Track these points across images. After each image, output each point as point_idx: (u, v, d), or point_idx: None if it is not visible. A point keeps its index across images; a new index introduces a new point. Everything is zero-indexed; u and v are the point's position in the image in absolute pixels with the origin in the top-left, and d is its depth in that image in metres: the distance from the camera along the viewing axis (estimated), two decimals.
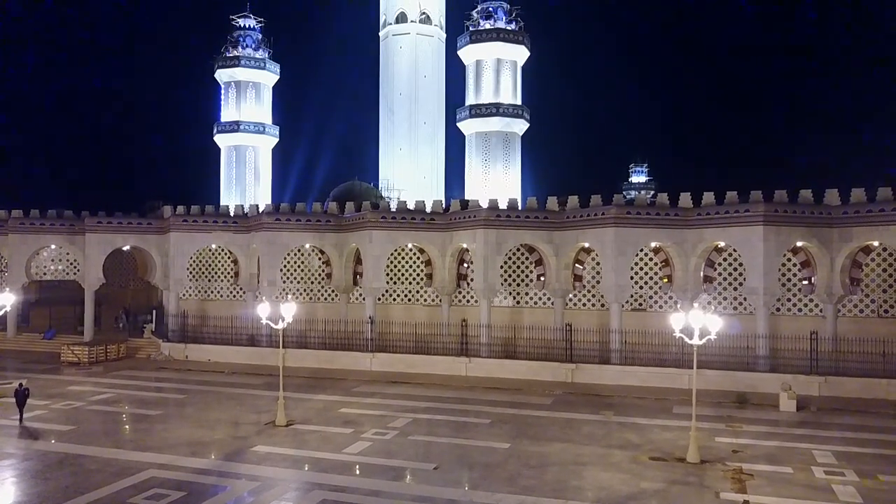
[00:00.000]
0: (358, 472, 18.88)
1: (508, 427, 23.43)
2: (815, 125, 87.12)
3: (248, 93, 59.29)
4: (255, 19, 60.81)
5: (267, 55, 60.05)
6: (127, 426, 23.89)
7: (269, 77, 60.05)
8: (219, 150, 60.28)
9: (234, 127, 58.35)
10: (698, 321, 19.90)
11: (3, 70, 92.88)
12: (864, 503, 16.53)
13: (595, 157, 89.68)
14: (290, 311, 23.40)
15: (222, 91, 59.88)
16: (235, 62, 58.28)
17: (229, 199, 58.65)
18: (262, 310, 24.08)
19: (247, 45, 59.92)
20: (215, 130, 59.17)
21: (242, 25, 60.44)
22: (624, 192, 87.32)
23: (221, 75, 59.16)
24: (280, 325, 23.70)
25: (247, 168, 59.70)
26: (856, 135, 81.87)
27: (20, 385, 23.99)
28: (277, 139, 61.10)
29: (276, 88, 61.64)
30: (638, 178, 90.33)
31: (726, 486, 17.65)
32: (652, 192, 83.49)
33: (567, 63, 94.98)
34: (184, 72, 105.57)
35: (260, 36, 60.68)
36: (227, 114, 59.27)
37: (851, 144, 76.04)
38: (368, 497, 16.92)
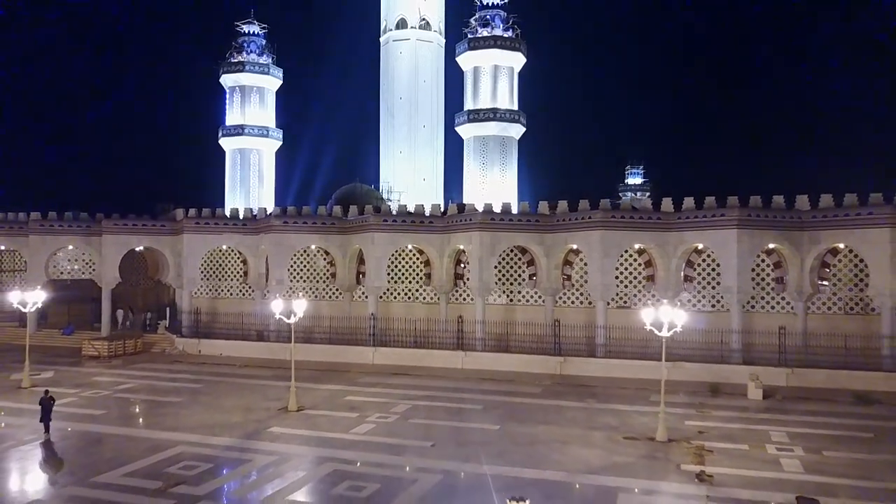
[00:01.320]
0: (363, 448, 21.69)
1: (500, 412, 26.29)
2: (805, 128, 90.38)
3: (252, 97, 62.23)
4: (259, 25, 63.72)
5: (270, 60, 63.01)
6: (153, 411, 26.68)
7: (272, 82, 62.99)
8: (224, 152, 63.23)
9: (239, 130, 61.32)
10: (667, 315, 22.81)
11: (14, 76, 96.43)
12: (804, 472, 19.38)
13: (591, 159, 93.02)
14: (301, 307, 26.31)
15: (227, 95, 62.83)
16: (240, 67, 61.26)
17: (234, 200, 61.60)
18: (276, 306, 26.96)
19: (251, 51, 62.89)
20: (220, 134, 62.12)
21: (247, 32, 63.36)
22: (620, 194, 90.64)
23: (226, 80, 62.11)
24: (292, 320, 26.59)
25: (251, 170, 62.64)
26: (843, 135, 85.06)
27: (46, 392, 23.17)
28: (281, 142, 64.04)
29: (280, 93, 64.64)
30: (634, 179, 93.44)
31: (687, 460, 20.50)
32: (648, 194, 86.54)
33: (563, 68, 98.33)
34: (189, 77, 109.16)
35: (264, 42, 63.64)
36: (232, 118, 62.23)
37: (841, 148, 79.13)
38: (373, 468, 19.77)
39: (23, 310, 30.61)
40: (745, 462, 20.32)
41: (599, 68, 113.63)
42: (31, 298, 30.21)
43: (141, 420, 25.40)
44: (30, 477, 19.50)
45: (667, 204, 34.48)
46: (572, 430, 23.88)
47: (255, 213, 42.33)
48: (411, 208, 40.49)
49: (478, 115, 55.10)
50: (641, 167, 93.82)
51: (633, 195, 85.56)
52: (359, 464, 20.16)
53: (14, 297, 30.30)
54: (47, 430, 22.54)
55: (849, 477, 18.93)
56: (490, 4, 57.81)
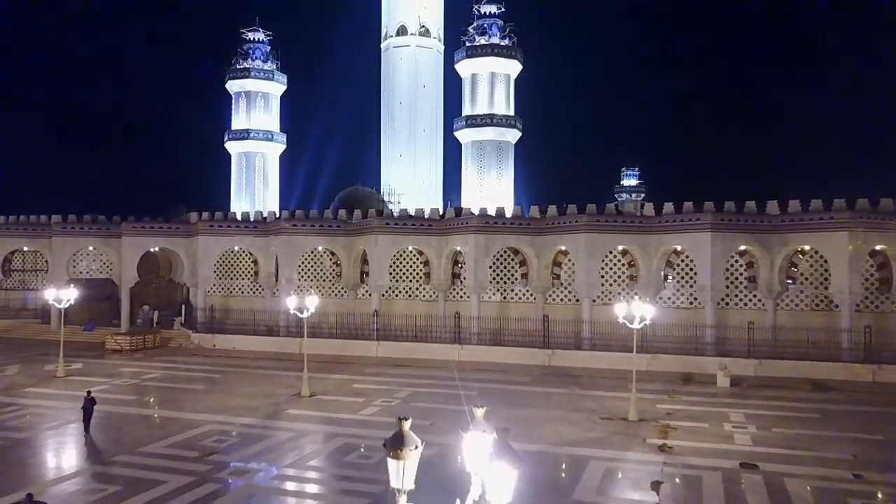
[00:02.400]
0: (370, 426, 25.26)
1: (492, 397, 29.82)
2: (790, 132, 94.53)
3: (257, 102, 65.71)
4: (263, 33, 67.12)
5: (275, 67, 66.42)
6: (179, 396, 30.27)
7: (277, 87, 66.44)
8: (230, 156, 66.81)
9: (245, 134, 64.81)
10: (638, 309, 26.40)
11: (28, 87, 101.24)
12: (752, 445, 22.95)
13: (588, 162, 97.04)
14: (313, 302, 29.96)
15: (233, 100, 66.30)
16: (246, 74, 64.68)
17: (239, 202, 65.16)
18: (291, 302, 30.62)
19: (256, 58, 66.29)
20: (226, 138, 65.63)
21: (252, 39, 66.77)
22: (616, 195, 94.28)
23: (232, 86, 65.58)
24: (304, 315, 30.24)
25: (256, 173, 66.14)
26: (831, 139, 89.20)
27: (88, 393, 24.50)
28: (285, 146, 67.45)
29: (284, 98, 68.09)
30: (629, 181, 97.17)
31: (653, 435, 24.09)
32: (643, 195, 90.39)
33: (558, 74, 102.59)
34: (196, 82, 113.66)
35: (268, 48, 67.05)
36: (238, 122, 65.72)
37: (828, 152, 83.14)
38: (379, 441, 23.13)
39: (58, 306, 34.22)
40: (703, 437, 23.92)
41: (593, 74, 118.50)
42: (65, 296, 33.81)
43: (171, 404, 28.97)
44: (83, 448, 23.08)
45: (648, 208, 38.15)
46: (555, 412, 27.50)
47: (265, 216, 46.03)
48: (412, 211, 44.20)
49: (475, 121, 58.61)
50: (636, 169, 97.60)
51: (628, 196, 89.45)
52: (366, 438, 23.75)
53: (50, 295, 33.95)
54: (87, 430, 23.83)
55: (789, 448, 22.52)
56: (487, 13, 61.31)
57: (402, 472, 7.66)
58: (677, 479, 19.77)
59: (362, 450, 22.46)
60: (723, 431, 24.62)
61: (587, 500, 18.49)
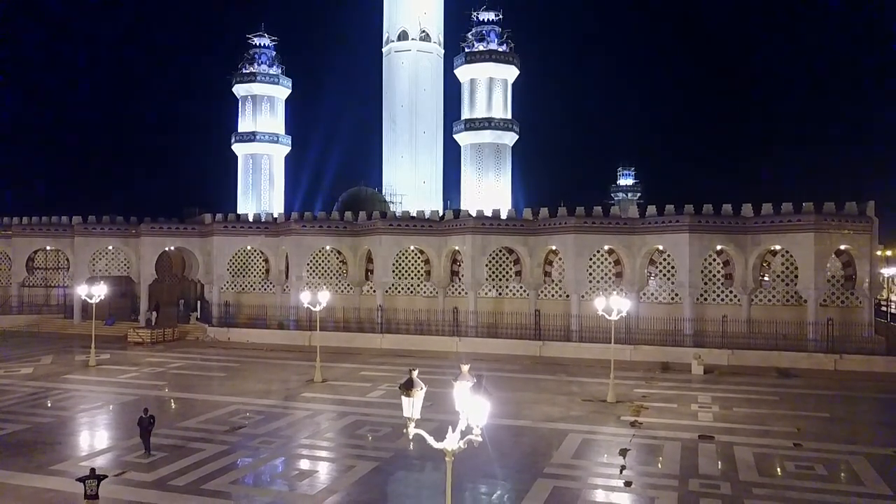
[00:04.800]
0: (377, 406, 29.16)
1: (486, 382, 33.75)
2: (775, 136, 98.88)
3: (263, 105, 69.63)
4: (269, 38, 71.06)
5: (280, 71, 70.38)
6: (204, 382, 34.21)
7: (282, 91, 70.38)
8: (236, 158, 70.71)
9: (251, 137, 68.72)
10: (616, 303, 30.31)
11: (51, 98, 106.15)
12: (712, 421, 26.82)
13: (584, 162, 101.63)
14: (325, 297, 33.88)
15: (240, 104, 70.24)
16: (252, 78, 68.65)
17: (246, 203, 69.07)
18: (305, 297, 34.56)
19: (262, 62, 70.26)
20: (233, 140, 69.54)
21: (258, 44, 70.71)
22: (612, 194, 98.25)
23: (239, 90, 69.52)
24: (317, 308, 34.17)
25: (262, 174, 70.05)
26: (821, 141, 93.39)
27: (145, 411, 23.00)
28: (290, 148, 71.39)
29: (289, 101, 72.03)
30: (625, 180, 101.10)
31: (627, 414, 27.98)
32: (639, 194, 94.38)
33: (554, 78, 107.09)
34: (204, 87, 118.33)
35: (274, 53, 71.00)
36: (244, 125, 69.66)
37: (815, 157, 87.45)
38: (385, 419, 27.23)
39: (90, 301, 38.14)
40: (671, 415, 27.82)
41: (589, 78, 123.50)
42: (96, 292, 37.75)
43: (197, 388, 32.92)
44: (127, 424, 26.92)
45: (633, 210, 42.12)
46: (542, 395, 31.41)
47: (276, 217, 49.98)
48: (413, 211, 48.16)
49: (474, 124, 62.52)
50: (632, 169, 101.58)
51: (624, 195, 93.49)
52: (374, 416, 27.66)
53: (82, 291, 37.86)
54: (147, 449, 22.61)
55: (744, 424, 26.41)
56: (486, 20, 65.24)
57: (412, 406, 11.54)
58: (642, 448, 23.67)
59: (371, 426, 26.33)
60: (689, 411, 28.51)
61: (564, 462, 22.35)
